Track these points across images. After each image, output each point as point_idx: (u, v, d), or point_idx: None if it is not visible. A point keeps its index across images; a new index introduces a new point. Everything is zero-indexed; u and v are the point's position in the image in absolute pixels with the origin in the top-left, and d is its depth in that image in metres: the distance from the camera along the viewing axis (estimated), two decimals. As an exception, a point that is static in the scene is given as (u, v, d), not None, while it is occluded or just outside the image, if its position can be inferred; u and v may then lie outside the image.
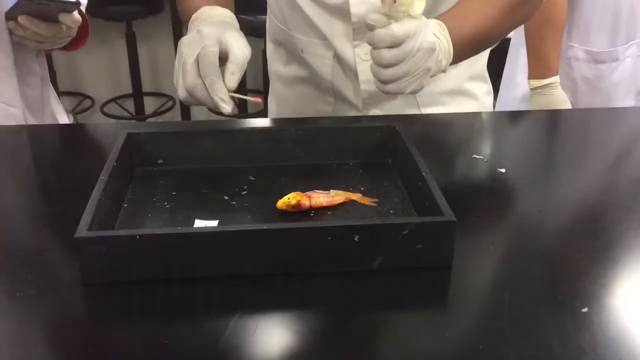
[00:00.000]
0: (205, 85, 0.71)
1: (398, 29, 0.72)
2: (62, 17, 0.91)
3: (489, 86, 1.08)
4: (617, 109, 1.36)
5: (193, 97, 0.73)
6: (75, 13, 0.93)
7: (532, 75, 1.42)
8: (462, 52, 0.81)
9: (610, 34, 1.44)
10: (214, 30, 0.75)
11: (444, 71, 0.80)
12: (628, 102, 1.50)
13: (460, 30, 0.81)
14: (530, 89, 1.43)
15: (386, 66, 0.74)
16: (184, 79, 0.72)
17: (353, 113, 1.00)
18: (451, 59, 0.80)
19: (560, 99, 1.41)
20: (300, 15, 0.96)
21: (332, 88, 1.00)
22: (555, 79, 1.40)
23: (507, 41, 1.62)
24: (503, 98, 1.61)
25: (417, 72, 0.75)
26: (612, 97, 1.48)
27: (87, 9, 1.09)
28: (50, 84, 1.14)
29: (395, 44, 0.73)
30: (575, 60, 1.47)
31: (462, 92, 1.03)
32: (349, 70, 0.97)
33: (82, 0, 0.96)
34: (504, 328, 0.54)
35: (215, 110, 0.80)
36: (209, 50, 0.71)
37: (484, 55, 1.05)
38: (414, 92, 0.77)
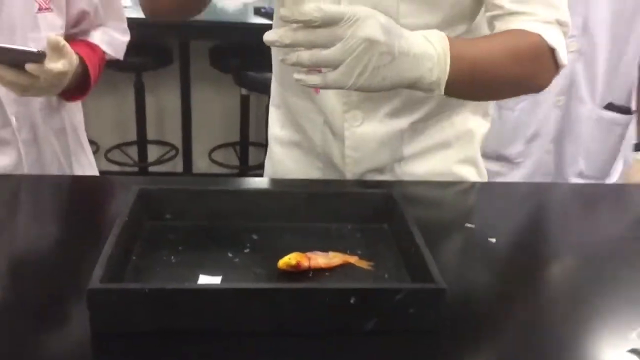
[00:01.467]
0: None
1: (329, 7, 0.65)
2: (29, 66, 0.90)
3: (481, 170, 1.09)
4: (610, 185, 1.41)
5: None
6: (52, 64, 0.92)
7: None
8: (460, 73, 0.75)
9: None
10: None
11: (435, 88, 0.74)
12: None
13: (463, 50, 0.77)
14: None
15: (318, 44, 0.66)
16: None
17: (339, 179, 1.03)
18: (447, 73, 0.74)
19: None
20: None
21: (322, 153, 1.04)
22: None
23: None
24: None
25: (359, 63, 0.66)
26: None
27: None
28: (53, 144, 1.14)
29: (326, 23, 0.65)
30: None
31: (451, 175, 1.04)
32: (338, 136, 1.00)
33: (67, 63, 0.95)
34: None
35: None
36: None
37: (477, 138, 1.06)
38: (362, 89, 0.69)
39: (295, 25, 0.67)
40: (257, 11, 2.53)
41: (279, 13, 0.69)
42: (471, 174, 1.08)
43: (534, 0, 0.85)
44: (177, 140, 3.06)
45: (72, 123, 1.19)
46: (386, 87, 0.71)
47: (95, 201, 0.94)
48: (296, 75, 0.71)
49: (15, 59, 0.90)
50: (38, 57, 0.90)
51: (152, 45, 2.73)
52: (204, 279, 0.69)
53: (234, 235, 0.78)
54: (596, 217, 0.99)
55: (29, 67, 0.90)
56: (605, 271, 0.80)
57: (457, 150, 1.04)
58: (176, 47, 2.81)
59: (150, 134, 3.00)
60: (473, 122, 1.06)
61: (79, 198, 0.96)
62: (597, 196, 1.10)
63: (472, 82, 0.80)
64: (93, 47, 1.15)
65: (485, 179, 1.11)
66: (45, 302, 0.67)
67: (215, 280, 0.69)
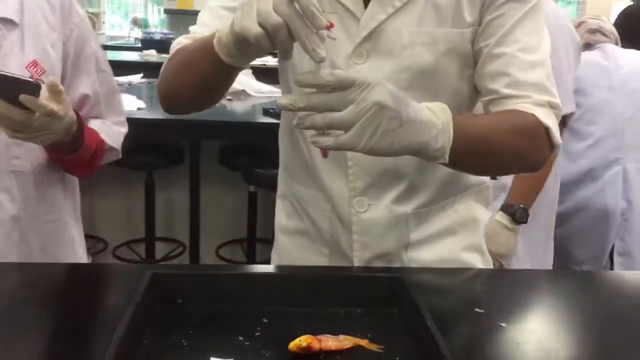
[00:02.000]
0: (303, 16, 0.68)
1: (342, 73, 0.71)
2: (23, 97, 0.90)
3: (486, 258, 1.10)
4: (623, 273, 1.41)
5: (279, 31, 0.69)
6: (47, 102, 0.92)
7: None
8: (464, 141, 0.79)
9: None
10: None
11: (439, 156, 0.77)
12: None
13: (466, 120, 0.81)
14: None
15: (330, 107, 0.70)
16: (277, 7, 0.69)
17: (347, 265, 1.04)
18: (451, 140, 0.78)
19: None
20: (302, 164, 1.04)
21: (329, 240, 1.05)
22: None
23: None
24: None
25: (369, 126, 0.70)
26: None
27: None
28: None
29: (339, 87, 0.69)
30: None
31: (458, 262, 1.05)
32: (345, 222, 1.02)
33: (63, 109, 0.95)
34: None
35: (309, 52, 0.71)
36: None
37: (481, 226, 1.08)
38: (371, 152, 0.72)
39: (308, 90, 0.72)
40: (266, 112, 2.63)
41: (293, 79, 0.74)
42: (477, 261, 1.09)
43: (527, 85, 0.90)
44: (185, 237, 3.08)
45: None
46: (394, 151, 0.75)
47: (107, 288, 0.95)
48: (311, 138, 0.75)
49: (11, 90, 0.90)
50: (34, 88, 0.90)
51: (163, 145, 2.82)
52: (215, 362, 0.69)
53: (244, 319, 0.79)
54: (603, 302, 0.99)
55: (24, 97, 0.90)
56: (617, 354, 0.79)
57: (462, 238, 1.06)
58: (187, 147, 2.90)
59: (159, 231, 3.03)
60: (476, 210, 1.09)
61: (91, 285, 0.97)
62: (602, 282, 1.10)
63: (475, 152, 0.83)
64: (91, 130, 1.19)
65: (490, 266, 1.12)
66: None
67: (226, 363, 0.69)
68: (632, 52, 2.28)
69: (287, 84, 1.03)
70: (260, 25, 0.71)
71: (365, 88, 0.71)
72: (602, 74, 2.15)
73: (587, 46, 2.26)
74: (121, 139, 1.26)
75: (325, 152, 0.82)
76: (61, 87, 0.97)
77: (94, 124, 1.22)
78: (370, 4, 0.91)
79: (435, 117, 0.78)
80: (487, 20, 0.92)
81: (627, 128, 2.11)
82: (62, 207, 1.22)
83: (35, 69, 1.08)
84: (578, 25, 2.34)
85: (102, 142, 1.20)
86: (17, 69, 1.05)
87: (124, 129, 1.28)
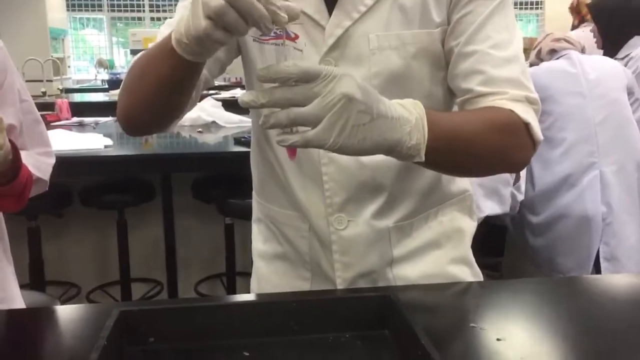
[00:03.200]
0: None
1: (305, 63, 0.66)
2: None
3: (475, 270, 1.06)
4: (613, 276, 1.38)
5: (225, 13, 0.64)
6: None
7: None
8: (439, 139, 0.74)
9: None
10: None
11: (415, 154, 0.73)
12: None
13: (440, 117, 0.77)
14: None
15: (295, 102, 0.65)
16: None
17: (330, 288, 0.99)
18: (425, 137, 0.73)
19: None
20: (275, 183, 1.00)
21: (309, 262, 1.00)
22: None
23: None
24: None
25: (338, 120, 0.65)
26: None
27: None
28: None
29: (303, 79, 0.65)
30: None
31: (445, 276, 1.00)
32: (325, 242, 0.97)
33: (2, 139, 0.92)
34: None
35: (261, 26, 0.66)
36: None
37: (467, 238, 1.04)
38: (342, 149, 0.67)
39: (271, 85, 0.66)
40: (237, 141, 2.58)
41: (256, 75, 0.69)
42: (465, 274, 1.04)
43: (502, 81, 0.86)
44: (162, 276, 2.99)
45: None
46: (367, 148, 0.69)
47: (71, 332, 0.87)
48: (276, 136, 0.69)
49: None
50: None
51: (134, 181, 2.75)
52: (192, 404, 0.62)
53: (224, 354, 0.72)
54: (600, 308, 0.94)
55: None
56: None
57: (448, 250, 1.01)
58: (158, 182, 2.83)
59: (134, 272, 2.93)
60: (461, 220, 1.04)
61: (53, 330, 0.89)
62: (596, 286, 1.06)
63: (452, 149, 0.78)
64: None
65: (480, 279, 1.07)
66: None
67: (205, 404, 0.62)
68: (597, 58, 2.30)
69: (252, 87, 0.98)
70: (207, 17, 0.67)
71: (331, 80, 0.65)
72: (570, 80, 2.16)
73: (553, 53, 2.28)
74: (49, 170, 1.21)
75: (292, 152, 0.75)
76: (1, 116, 0.92)
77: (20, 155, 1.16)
78: (335, 11, 0.88)
79: (407, 112, 0.73)
80: (455, 19, 0.89)
81: (599, 132, 2.11)
82: None
83: None
84: (544, 38, 2.36)
85: (30, 173, 1.14)
86: None
87: (52, 160, 1.23)
